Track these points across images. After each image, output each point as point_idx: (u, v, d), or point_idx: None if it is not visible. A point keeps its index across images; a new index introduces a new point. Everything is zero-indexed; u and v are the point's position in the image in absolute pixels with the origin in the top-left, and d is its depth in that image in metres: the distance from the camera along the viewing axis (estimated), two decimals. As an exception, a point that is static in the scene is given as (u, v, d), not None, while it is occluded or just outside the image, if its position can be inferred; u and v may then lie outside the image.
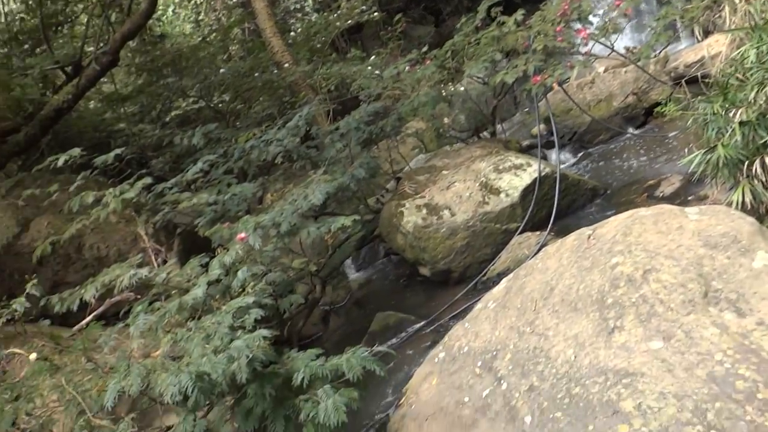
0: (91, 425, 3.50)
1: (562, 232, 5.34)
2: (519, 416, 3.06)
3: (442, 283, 6.46)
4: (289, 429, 3.34)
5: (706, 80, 5.52)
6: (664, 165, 6.71)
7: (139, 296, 4.54)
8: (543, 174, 6.37)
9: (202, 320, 3.73)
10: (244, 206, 6.14)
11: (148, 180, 5.17)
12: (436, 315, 5.85)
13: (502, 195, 6.29)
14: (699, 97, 4.94)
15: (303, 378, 3.29)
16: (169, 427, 3.74)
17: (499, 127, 8.68)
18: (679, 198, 5.69)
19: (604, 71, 8.67)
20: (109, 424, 3.51)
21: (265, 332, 3.40)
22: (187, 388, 3.05)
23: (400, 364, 5.30)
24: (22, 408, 3.86)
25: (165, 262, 5.80)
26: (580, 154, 8.38)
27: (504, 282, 4.24)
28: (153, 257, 5.43)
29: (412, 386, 4.21)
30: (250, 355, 3.22)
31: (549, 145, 8.09)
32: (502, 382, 3.36)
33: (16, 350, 4.74)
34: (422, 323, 5.87)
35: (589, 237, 3.77)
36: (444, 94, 7.91)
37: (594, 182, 6.86)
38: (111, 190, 4.98)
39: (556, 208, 6.16)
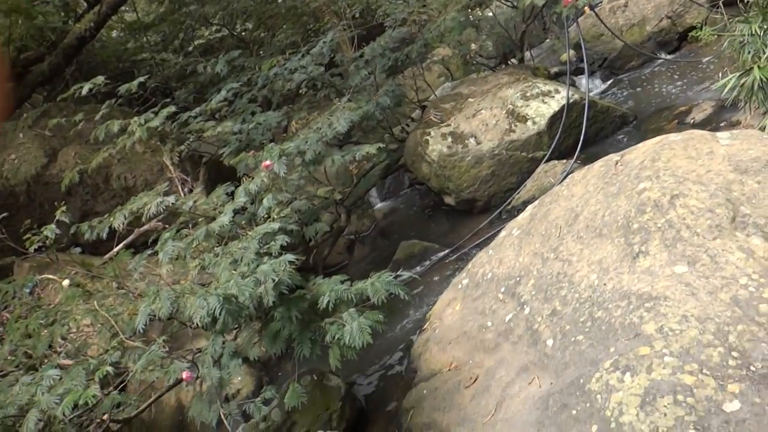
0: (124, 347, 3.62)
1: (589, 160, 5.25)
2: (541, 339, 3.09)
3: (467, 212, 6.46)
4: (315, 351, 3.42)
5: (746, 1, 5.29)
6: (696, 91, 6.52)
7: (166, 226, 4.59)
8: (571, 101, 6.23)
9: (228, 246, 3.78)
10: (269, 135, 6.13)
11: (172, 108, 5.13)
12: (461, 243, 5.87)
13: (529, 123, 6.19)
14: (736, 18, 4.76)
15: (329, 301, 3.34)
16: (199, 350, 3.85)
17: (527, 53, 8.46)
18: (711, 124, 5.54)
19: (638, -6, 8.36)
20: (142, 346, 3.63)
21: (290, 257, 3.44)
22: (215, 311, 3.11)
23: (424, 291, 5.37)
24: (58, 332, 4.00)
25: (191, 191, 5.86)
26: (610, 81, 8.19)
27: (529, 209, 4.22)
28: (179, 186, 5.49)
29: (436, 312, 4.27)
30: (276, 279, 3.26)
31: (579, 71, 7.91)
32: (525, 306, 3.39)
33: (50, 276, 4.89)
34: (446, 251, 5.90)
35: (616, 163, 3.71)
36: (471, 18, 7.70)
37: (623, 109, 6.70)
38: (136, 118, 4.96)
39: (583, 136, 6.04)
